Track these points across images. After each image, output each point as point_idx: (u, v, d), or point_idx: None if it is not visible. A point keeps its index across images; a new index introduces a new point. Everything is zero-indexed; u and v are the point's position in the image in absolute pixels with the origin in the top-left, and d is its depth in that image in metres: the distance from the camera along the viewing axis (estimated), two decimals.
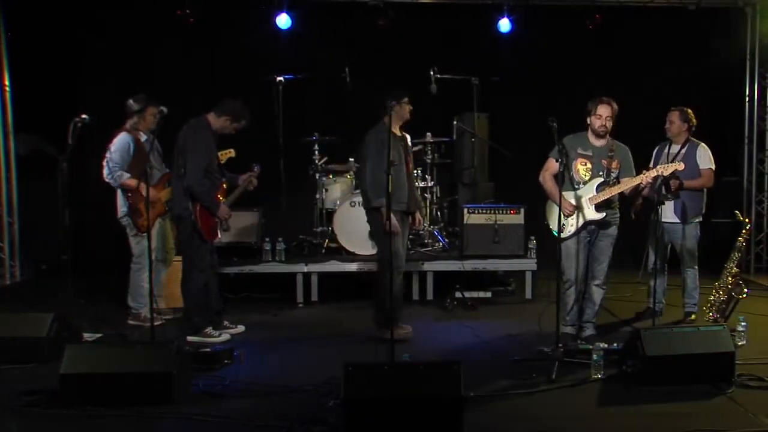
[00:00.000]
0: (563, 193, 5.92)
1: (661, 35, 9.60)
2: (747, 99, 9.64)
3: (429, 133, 8.77)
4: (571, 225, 5.98)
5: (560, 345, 5.64)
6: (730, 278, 6.54)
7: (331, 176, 8.63)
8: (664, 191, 6.26)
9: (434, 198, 8.89)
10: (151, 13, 9.10)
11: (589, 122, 6.04)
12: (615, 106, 6.00)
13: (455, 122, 9.12)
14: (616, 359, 5.33)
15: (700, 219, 6.81)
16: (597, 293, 6.18)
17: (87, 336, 6.24)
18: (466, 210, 8.14)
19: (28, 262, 8.91)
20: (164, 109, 5.54)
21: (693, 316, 6.82)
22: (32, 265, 8.93)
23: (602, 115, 5.95)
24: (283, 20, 9.11)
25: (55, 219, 6.15)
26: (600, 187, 5.96)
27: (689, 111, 6.75)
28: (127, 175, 6.60)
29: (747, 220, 6.79)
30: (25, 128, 8.82)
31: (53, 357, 5.14)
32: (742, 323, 6.11)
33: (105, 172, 6.65)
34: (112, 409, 4.60)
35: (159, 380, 4.73)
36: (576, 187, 6.01)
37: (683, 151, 6.69)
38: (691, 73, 9.66)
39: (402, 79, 8.27)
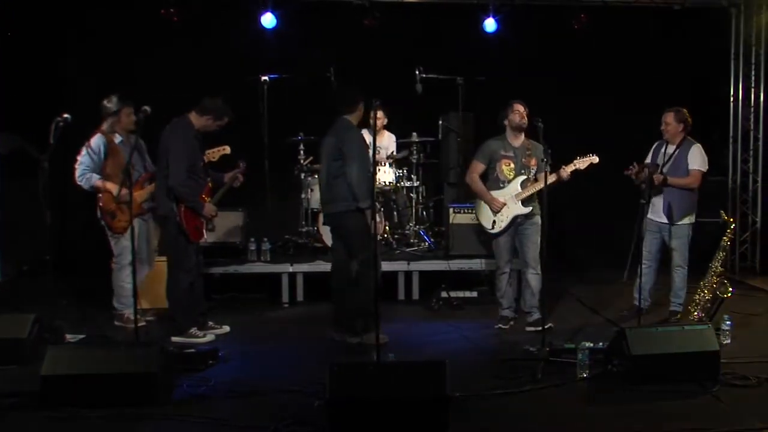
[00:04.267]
0: (492, 192, 6.53)
1: (646, 35, 9.63)
2: (732, 99, 9.69)
3: (414, 133, 8.77)
4: (501, 221, 6.50)
5: (545, 344, 5.65)
6: (715, 277, 6.56)
7: (316, 176, 8.59)
8: (644, 187, 6.44)
9: (420, 198, 8.88)
10: (135, 12, 9.04)
11: (506, 123, 6.54)
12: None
13: (440, 122, 9.11)
14: (602, 358, 5.33)
15: (692, 220, 6.78)
16: (534, 279, 6.55)
17: (69, 337, 6.19)
18: (451, 210, 8.13)
19: (9, 262, 8.82)
20: (147, 108, 5.48)
21: (678, 315, 6.84)
22: (13, 265, 8.85)
23: (519, 110, 6.47)
24: (268, 19, 9.06)
25: (36, 219, 6.09)
26: (524, 184, 6.44)
27: (684, 111, 6.76)
28: (96, 176, 6.56)
29: (732, 219, 6.82)
30: (6, 127, 8.73)
31: (35, 358, 5.09)
32: (727, 322, 6.13)
33: (76, 174, 6.61)
34: (94, 411, 4.55)
35: (142, 381, 4.69)
36: (501, 186, 6.54)
37: (677, 152, 6.70)
38: (676, 73, 9.69)
39: (387, 79, 8.28)
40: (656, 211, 6.73)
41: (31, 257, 7.91)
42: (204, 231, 6.43)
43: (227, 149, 6.73)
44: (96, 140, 6.61)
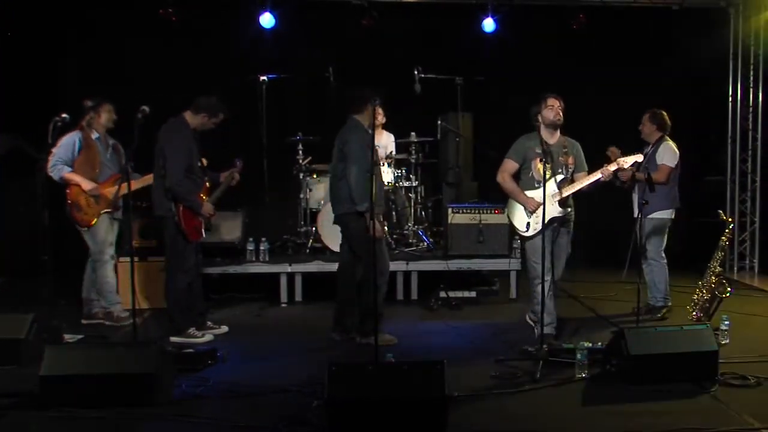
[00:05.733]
0: (526, 192, 6.14)
1: (644, 35, 9.64)
2: (730, 99, 9.70)
3: (413, 133, 8.76)
4: (536, 223, 6.06)
5: (544, 344, 5.65)
6: (713, 277, 6.57)
7: (314, 176, 8.60)
8: (619, 183, 6.62)
9: (419, 198, 8.89)
10: (133, 13, 9.03)
11: (540, 119, 6.10)
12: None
13: (439, 122, 9.11)
14: (600, 358, 5.33)
15: (667, 215, 6.89)
16: (554, 288, 6.29)
17: (68, 337, 6.18)
18: (450, 210, 8.13)
19: (7, 262, 8.81)
20: (146, 108, 5.48)
21: (664, 311, 6.92)
22: (11, 265, 8.83)
23: (554, 105, 6.09)
24: (267, 19, 9.07)
25: (34, 219, 6.09)
26: (561, 184, 6.08)
27: (662, 113, 6.94)
28: (68, 168, 6.61)
29: (730, 219, 6.83)
30: (5, 128, 8.72)
31: (33, 359, 5.07)
32: (725, 322, 6.13)
33: (48, 165, 6.59)
34: (93, 411, 4.54)
35: (141, 381, 4.68)
36: (536, 186, 6.11)
37: (651, 149, 6.92)
38: (675, 73, 9.70)
39: (386, 79, 8.27)
40: (632, 208, 6.93)
41: (29, 257, 7.87)
42: (202, 231, 6.42)
43: (204, 162, 6.68)
44: (72, 135, 6.65)
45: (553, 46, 9.54)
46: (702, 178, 9.85)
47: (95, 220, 6.70)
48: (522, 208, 6.19)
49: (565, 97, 6.23)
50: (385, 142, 8.69)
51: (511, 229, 6.45)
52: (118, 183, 6.66)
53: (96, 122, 6.78)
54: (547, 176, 6.01)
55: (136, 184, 6.56)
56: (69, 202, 6.65)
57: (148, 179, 6.51)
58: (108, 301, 6.82)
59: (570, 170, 6.15)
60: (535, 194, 6.08)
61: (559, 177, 6.09)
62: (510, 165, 6.23)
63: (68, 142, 6.65)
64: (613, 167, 6.00)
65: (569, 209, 6.12)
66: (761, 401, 4.83)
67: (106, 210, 6.75)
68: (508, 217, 6.40)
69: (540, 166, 6.02)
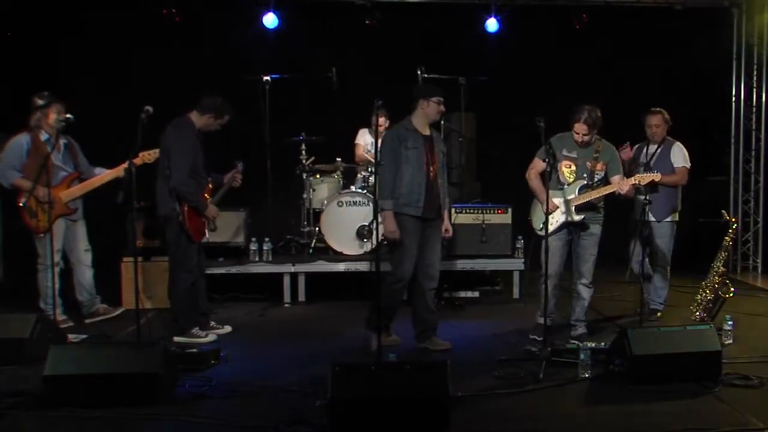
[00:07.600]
0: (550, 192, 6.00)
1: (647, 35, 9.63)
2: (733, 99, 9.69)
3: None
4: (551, 224, 6.06)
5: (547, 344, 5.64)
6: (716, 278, 6.57)
7: (318, 176, 8.60)
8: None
9: None
10: (134, 13, 9.04)
11: (571, 127, 6.13)
12: (595, 116, 6.06)
13: (442, 122, 9.09)
14: (604, 359, 5.33)
15: (675, 218, 6.86)
16: (585, 292, 6.27)
17: (72, 337, 6.19)
18: (453, 210, 8.11)
19: (9, 262, 8.81)
20: (150, 108, 5.49)
21: (658, 314, 6.90)
22: (15, 265, 8.84)
23: (579, 132, 6.06)
24: (270, 19, 9.08)
25: None
26: (582, 190, 6.09)
27: (666, 112, 6.92)
28: (18, 174, 6.44)
29: (733, 219, 6.83)
30: (3, 129, 8.72)
31: (36, 358, 5.08)
32: (729, 322, 6.13)
33: None
34: (97, 411, 4.55)
35: (144, 381, 4.69)
36: (560, 187, 6.15)
37: (659, 150, 6.81)
38: (678, 73, 9.69)
39: (389, 79, 8.28)
40: (639, 211, 6.77)
41: (32, 257, 7.91)
42: (206, 231, 6.42)
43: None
44: (20, 138, 6.50)
45: (556, 46, 9.53)
46: (705, 178, 9.84)
47: (50, 225, 6.48)
48: (542, 207, 6.16)
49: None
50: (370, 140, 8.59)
51: (529, 227, 6.44)
52: (74, 184, 6.58)
53: (44, 122, 6.52)
54: (571, 180, 6.13)
55: (98, 180, 6.64)
56: (20, 205, 6.45)
57: (112, 174, 6.55)
58: (47, 305, 6.47)
59: (596, 176, 6.14)
60: (557, 195, 6.11)
61: (581, 183, 6.11)
62: (537, 164, 6.22)
63: (15, 146, 6.47)
64: (630, 182, 6.02)
65: (585, 216, 6.08)
66: (765, 401, 4.83)
67: (62, 214, 6.62)
68: (530, 214, 6.41)
69: (565, 169, 6.13)
